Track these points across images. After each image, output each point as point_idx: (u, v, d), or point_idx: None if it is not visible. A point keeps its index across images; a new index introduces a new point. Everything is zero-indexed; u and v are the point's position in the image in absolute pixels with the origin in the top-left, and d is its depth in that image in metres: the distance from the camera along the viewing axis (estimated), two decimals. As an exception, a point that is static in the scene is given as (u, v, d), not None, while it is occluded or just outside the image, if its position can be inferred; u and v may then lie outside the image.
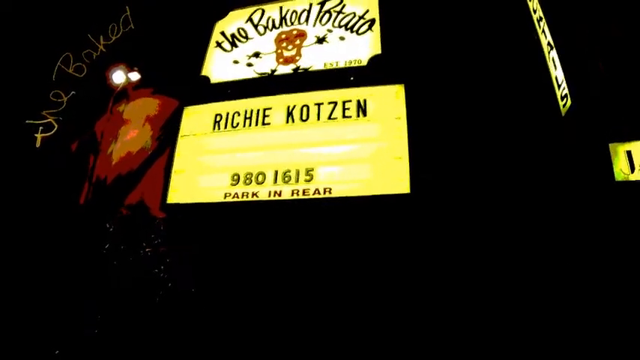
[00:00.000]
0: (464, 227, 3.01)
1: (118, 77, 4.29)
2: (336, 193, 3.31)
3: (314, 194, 3.32)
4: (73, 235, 3.76)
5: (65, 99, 4.67)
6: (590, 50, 2.68)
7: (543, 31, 2.81)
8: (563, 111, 2.62)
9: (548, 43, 2.72)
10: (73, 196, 4.08)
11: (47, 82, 4.78)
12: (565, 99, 2.55)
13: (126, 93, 4.38)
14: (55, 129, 4.56)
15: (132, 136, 4.20)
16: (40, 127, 4.57)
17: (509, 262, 2.77)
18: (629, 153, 2.50)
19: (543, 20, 2.81)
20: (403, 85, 3.47)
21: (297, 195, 3.36)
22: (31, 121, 4.64)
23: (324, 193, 3.31)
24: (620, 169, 2.47)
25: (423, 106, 3.40)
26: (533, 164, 2.99)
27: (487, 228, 2.90)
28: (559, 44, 2.88)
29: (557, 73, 2.64)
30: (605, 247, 2.48)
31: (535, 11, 2.97)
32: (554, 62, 2.69)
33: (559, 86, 2.61)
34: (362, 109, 3.52)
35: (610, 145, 2.54)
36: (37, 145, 4.51)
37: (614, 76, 2.65)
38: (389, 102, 3.46)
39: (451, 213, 3.04)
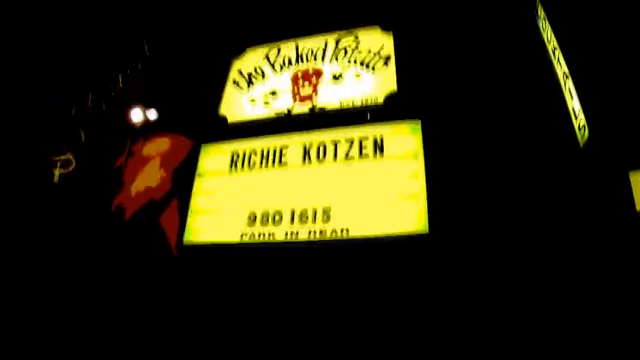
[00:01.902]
0: (484, 265, 2.96)
1: (137, 115, 4.38)
2: (353, 234, 3.29)
3: (331, 235, 3.30)
4: (88, 266, 3.87)
5: (83, 136, 4.80)
6: (608, 79, 2.69)
7: (558, 60, 2.82)
8: (582, 142, 2.61)
9: (564, 73, 2.73)
10: (91, 230, 4.17)
11: (66, 118, 4.96)
12: (583, 129, 2.54)
13: (144, 131, 4.49)
14: (74, 165, 4.66)
15: (150, 174, 4.26)
16: (59, 163, 4.68)
17: (531, 296, 2.72)
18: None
19: (558, 50, 2.82)
20: (420, 121, 3.46)
21: (314, 236, 3.34)
22: (50, 157, 4.73)
23: (342, 233, 3.29)
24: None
25: (441, 142, 3.40)
26: (553, 197, 2.95)
27: (507, 265, 2.85)
28: (575, 74, 2.88)
29: (574, 103, 2.64)
30: (631, 280, 2.43)
31: (550, 41, 2.99)
32: (570, 92, 2.69)
33: (576, 117, 2.60)
34: (379, 147, 3.52)
35: (630, 173, 2.51)
36: (56, 180, 4.61)
37: (631, 105, 2.65)
38: (406, 139, 3.46)
39: (470, 252, 2.99)
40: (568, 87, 2.78)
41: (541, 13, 3.21)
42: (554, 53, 2.94)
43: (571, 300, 2.61)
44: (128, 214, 4.06)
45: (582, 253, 2.68)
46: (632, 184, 2.47)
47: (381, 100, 3.71)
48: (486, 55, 3.61)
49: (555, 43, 2.85)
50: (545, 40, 3.12)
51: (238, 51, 4.37)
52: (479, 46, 3.69)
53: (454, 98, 3.61)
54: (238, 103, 4.15)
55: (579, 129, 2.58)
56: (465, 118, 3.48)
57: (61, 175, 4.66)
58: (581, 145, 2.61)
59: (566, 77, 2.72)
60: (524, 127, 3.22)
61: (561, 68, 2.81)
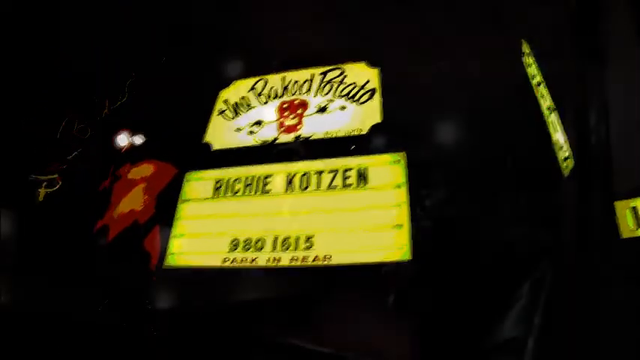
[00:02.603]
0: (465, 293, 2.94)
1: (122, 140, 4.42)
2: (335, 261, 3.19)
3: (313, 261, 3.24)
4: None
5: (70, 158, 4.77)
6: (593, 110, 2.74)
7: (542, 95, 2.87)
8: (566, 172, 2.63)
9: (548, 107, 2.78)
10: (74, 249, 3.94)
11: (52, 139, 4.92)
12: (567, 160, 2.56)
13: (130, 156, 4.45)
14: (59, 185, 4.63)
15: (134, 198, 4.22)
16: (44, 183, 4.63)
17: (514, 319, 2.67)
18: (634, 209, 2.48)
19: (543, 84, 2.87)
20: (404, 153, 3.49)
21: (296, 262, 3.27)
22: (36, 177, 4.74)
23: (324, 260, 3.24)
24: (627, 225, 2.44)
25: (424, 173, 3.43)
26: (537, 226, 2.96)
27: (487, 293, 2.82)
28: (559, 107, 2.92)
29: (558, 135, 2.67)
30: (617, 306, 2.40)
31: (534, 76, 3.05)
32: (554, 125, 2.72)
33: (560, 148, 2.63)
34: (363, 177, 3.51)
35: (615, 202, 2.52)
36: (40, 199, 4.55)
37: (617, 134, 2.70)
38: (389, 170, 3.46)
39: (451, 278, 2.97)
40: (551, 120, 2.81)
41: (526, 49, 3.30)
42: (538, 87, 3.00)
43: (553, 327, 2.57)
44: (112, 235, 3.98)
45: (566, 280, 2.65)
46: (617, 213, 2.48)
47: (365, 131, 3.72)
48: (471, 89, 3.70)
49: (540, 77, 2.90)
50: (529, 75, 3.20)
51: (226, 83, 4.34)
52: (463, 79, 3.79)
53: (439, 130, 3.67)
54: (223, 132, 4.12)
55: (564, 160, 2.60)
56: (449, 150, 3.53)
57: (46, 194, 4.60)
58: (565, 175, 2.62)
59: (550, 111, 2.76)
60: (508, 158, 3.27)
61: (545, 102, 2.85)
